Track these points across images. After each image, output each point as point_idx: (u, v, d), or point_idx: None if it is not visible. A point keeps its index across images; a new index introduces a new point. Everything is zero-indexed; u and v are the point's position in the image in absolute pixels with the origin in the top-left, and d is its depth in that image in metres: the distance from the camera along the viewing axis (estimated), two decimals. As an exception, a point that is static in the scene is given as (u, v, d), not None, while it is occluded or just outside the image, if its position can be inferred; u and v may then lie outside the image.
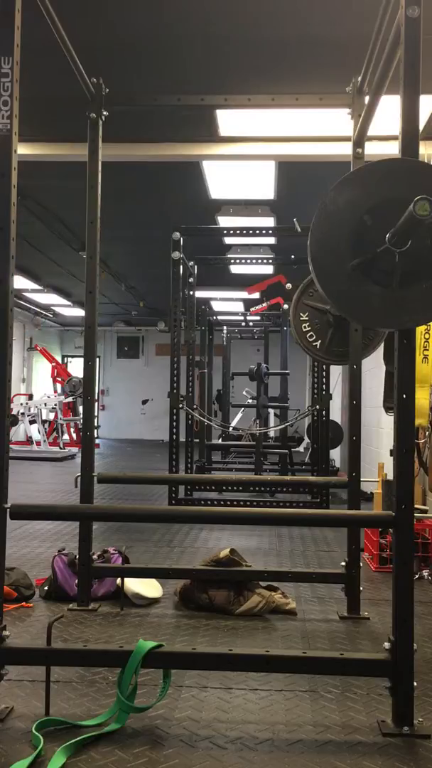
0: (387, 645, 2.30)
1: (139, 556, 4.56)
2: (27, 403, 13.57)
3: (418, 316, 2.25)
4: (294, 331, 4.40)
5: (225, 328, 11.36)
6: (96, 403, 3.99)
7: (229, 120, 4.91)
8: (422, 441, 4.37)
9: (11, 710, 2.36)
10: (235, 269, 9.57)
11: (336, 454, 10.31)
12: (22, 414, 13.07)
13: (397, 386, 2.29)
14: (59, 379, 14.62)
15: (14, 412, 12.64)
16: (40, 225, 8.16)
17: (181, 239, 6.07)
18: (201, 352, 9.72)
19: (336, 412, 9.81)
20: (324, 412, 6.92)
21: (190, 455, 7.43)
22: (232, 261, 7.67)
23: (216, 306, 11.89)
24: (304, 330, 4.31)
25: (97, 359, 4.20)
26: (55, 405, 13.53)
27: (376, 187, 2.23)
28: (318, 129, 4.93)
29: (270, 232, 6.75)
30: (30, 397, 14.78)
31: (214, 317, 10.65)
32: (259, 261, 7.66)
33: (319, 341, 4.28)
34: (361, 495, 4.03)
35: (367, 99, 3.25)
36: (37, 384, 16.59)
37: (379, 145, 4.40)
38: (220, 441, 11.08)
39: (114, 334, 18.63)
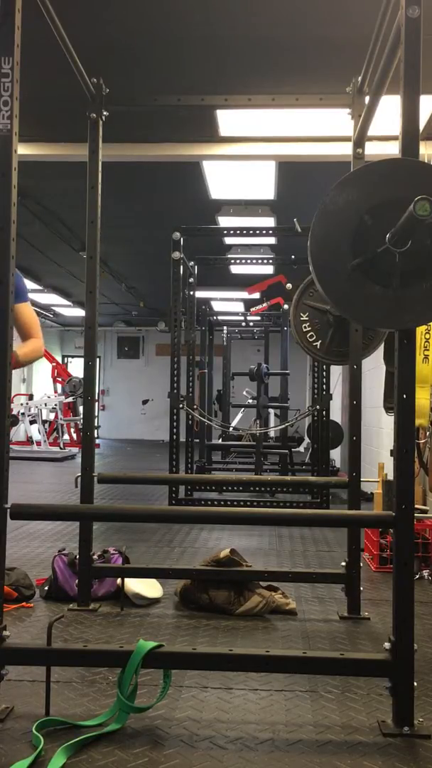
0: (387, 645, 2.30)
1: (139, 556, 4.56)
2: (27, 403, 13.57)
3: (419, 316, 2.25)
4: (294, 331, 4.40)
5: (225, 328, 11.36)
6: (96, 403, 3.99)
7: (229, 120, 4.92)
8: (422, 441, 4.36)
9: (11, 710, 2.36)
10: (235, 269, 9.57)
11: (336, 454, 10.30)
12: (23, 414, 13.07)
13: (397, 386, 2.29)
14: (59, 380, 14.63)
15: (14, 412, 12.63)
16: (40, 225, 8.16)
17: (181, 239, 6.07)
18: (201, 352, 9.72)
19: (336, 412, 9.81)
20: (324, 412, 6.91)
21: (191, 455, 7.43)
22: (232, 261, 7.68)
23: (216, 306, 11.89)
24: (305, 330, 4.31)
25: (98, 359, 4.20)
26: (56, 405, 13.53)
27: (376, 187, 2.22)
28: (318, 129, 4.94)
29: (270, 232, 6.76)
30: (30, 397, 14.79)
31: (214, 317, 10.65)
32: (259, 261, 7.66)
33: (320, 341, 4.28)
34: (362, 495, 4.03)
35: (367, 99, 3.24)
36: (38, 384, 16.59)
37: (379, 145, 4.40)
38: (220, 441, 11.08)
39: (114, 334, 18.63)
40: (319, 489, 6.68)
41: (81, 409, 7.96)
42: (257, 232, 6.55)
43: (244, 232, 6.52)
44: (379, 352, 4.43)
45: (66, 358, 18.81)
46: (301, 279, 4.44)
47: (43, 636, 2.39)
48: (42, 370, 16.64)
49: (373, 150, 3.82)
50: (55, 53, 3.15)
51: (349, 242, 2.22)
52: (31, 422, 13.37)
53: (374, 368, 6.79)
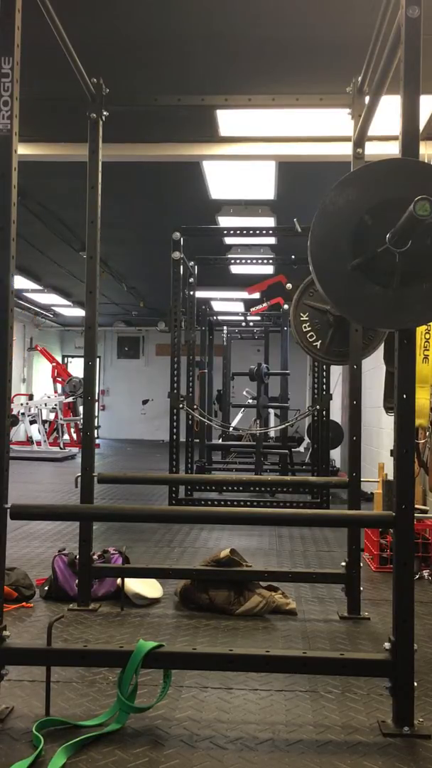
0: (387, 645, 2.30)
1: (139, 556, 4.56)
2: (27, 403, 13.57)
3: (418, 316, 2.25)
4: (294, 331, 4.40)
5: (225, 328, 11.36)
6: (96, 403, 3.99)
7: (229, 120, 4.92)
8: (422, 441, 4.36)
9: (11, 710, 2.36)
10: (235, 269, 9.58)
11: (336, 454, 10.31)
12: (23, 414, 13.07)
13: (397, 386, 2.29)
14: (59, 380, 14.62)
15: (14, 412, 12.64)
16: (40, 225, 8.16)
17: (182, 239, 6.07)
18: (201, 352, 9.72)
19: (336, 412, 9.81)
20: (324, 412, 6.92)
21: (191, 455, 7.43)
22: (233, 261, 7.67)
23: (216, 306, 11.89)
24: (305, 330, 4.31)
25: (98, 359, 4.20)
26: (56, 405, 13.53)
27: (376, 187, 2.23)
28: (318, 129, 4.94)
29: (270, 232, 6.75)
30: (30, 397, 14.78)
31: (215, 317, 10.64)
32: (260, 261, 7.66)
33: (320, 341, 4.28)
34: (362, 495, 4.03)
35: (367, 99, 3.25)
36: (38, 384, 16.59)
37: (379, 145, 4.40)
38: (220, 441, 11.08)
39: (114, 334, 18.64)
40: (319, 489, 6.68)
41: (81, 409, 7.95)
42: (257, 232, 6.54)
43: (244, 232, 6.52)
44: (379, 352, 4.43)
45: (66, 358, 18.80)
46: (301, 279, 4.44)
47: (43, 636, 2.39)
48: (42, 370, 16.65)
49: (373, 150, 3.82)
50: (55, 53, 3.15)
51: (349, 242, 2.22)
52: (31, 422, 13.36)
53: (374, 368, 6.79)
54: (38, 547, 4.89)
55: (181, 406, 6.16)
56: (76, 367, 17.30)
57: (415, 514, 2.35)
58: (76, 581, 3.52)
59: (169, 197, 7.27)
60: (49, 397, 14.01)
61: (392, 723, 2.29)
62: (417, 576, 4.09)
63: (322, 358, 4.47)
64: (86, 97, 3.50)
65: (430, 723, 2.31)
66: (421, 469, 4.48)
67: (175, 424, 6.12)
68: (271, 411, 11.27)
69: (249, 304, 11.38)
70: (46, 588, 3.68)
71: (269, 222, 7.33)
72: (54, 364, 14.74)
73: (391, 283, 2.19)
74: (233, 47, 4.18)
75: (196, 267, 7.43)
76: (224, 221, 7.39)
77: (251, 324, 11.60)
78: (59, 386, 14.55)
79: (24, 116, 2.50)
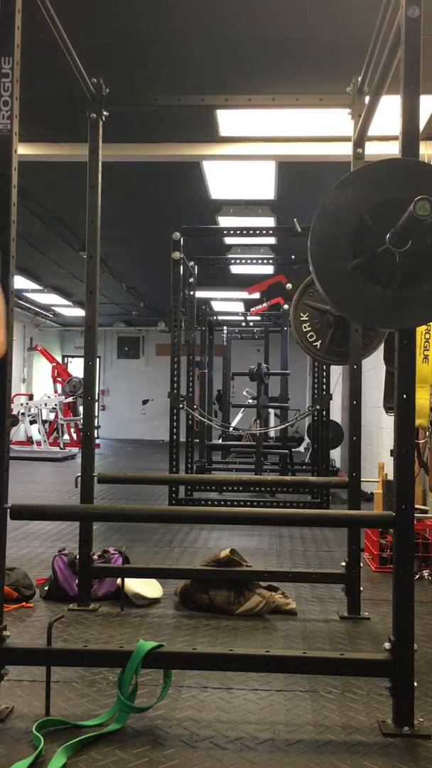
0: (387, 645, 2.30)
1: (139, 556, 4.56)
2: (27, 403, 13.57)
3: (419, 316, 2.25)
4: (294, 332, 4.40)
5: (225, 328, 11.36)
6: (96, 403, 3.98)
7: (229, 120, 4.92)
8: (422, 441, 4.36)
9: (11, 710, 2.36)
10: (235, 269, 9.58)
11: (336, 454, 10.30)
12: (23, 414, 13.07)
13: (397, 386, 2.29)
14: (59, 380, 14.63)
15: (14, 412, 12.64)
16: (40, 225, 8.16)
17: (182, 239, 6.07)
18: (201, 352, 9.72)
19: (336, 412, 9.81)
20: (324, 412, 6.91)
21: (191, 455, 7.43)
22: (233, 261, 7.67)
23: (216, 306, 11.89)
24: (305, 330, 4.31)
25: (98, 359, 4.20)
26: (56, 405, 13.53)
27: (376, 187, 2.23)
28: (318, 129, 4.94)
29: (270, 232, 6.75)
30: (30, 397, 14.79)
31: (215, 317, 10.65)
32: (260, 261, 7.66)
33: (320, 341, 4.28)
34: (362, 495, 4.03)
35: (367, 99, 3.25)
36: (38, 384, 16.59)
37: (379, 145, 4.40)
38: (220, 441, 11.08)
39: (114, 334, 18.64)
40: (319, 489, 6.68)
41: (81, 409, 7.96)
42: (257, 232, 6.54)
43: (244, 232, 6.52)
44: (379, 352, 4.43)
45: (66, 358, 18.81)
46: (301, 279, 4.44)
47: (43, 636, 2.39)
48: (42, 370, 16.65)
49: (373, 150, 3.82)
50: (55, 53, 3.15)
51: (349, 242, 2.22)
52: (31, 422, 13.36)
53: (374, 368, 6.79)
54: (38, 547, 4.89)
55: (181, 406, 6.16)
56: (76, 367, 17.30)
57: (415, 514, 2.35)
58: (76, 581, 3.52)
59: (169, 197, 7.27)
60: (49, 397, 14.01)
61: (392, 723, 2.29)
62: (417, 576, 4.09)
63: (322, 358, 4.46)
64: (86, 97, 3.50)
65: (430, 723, 2.31)
66: (421, 469, 4.48)
67: (175, 424, 6.12)
68: (271, 411, 11.27)
69: (249, 304, 11.38)
70: (46, 588, 3.68)
71: (269, 222, 7.33)
72: (54, 364, 14.74)
73: (391, 283, 2.19)
74: (234, 47, 4.18)
75: (196, 267, 7.42)
76: (224, 221, 7.39)
77: (251, 324, 11.60)
78: (59, 386, 14.55)
79: (24, 116, 2.50)
